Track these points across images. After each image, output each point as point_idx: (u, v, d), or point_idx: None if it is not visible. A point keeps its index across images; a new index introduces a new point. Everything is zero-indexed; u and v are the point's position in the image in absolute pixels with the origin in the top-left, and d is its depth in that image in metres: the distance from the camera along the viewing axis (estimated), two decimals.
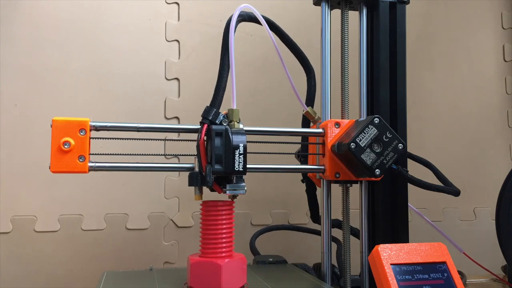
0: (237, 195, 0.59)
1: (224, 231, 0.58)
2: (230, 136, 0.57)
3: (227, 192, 0.58)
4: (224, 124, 0.59)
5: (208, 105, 0.60)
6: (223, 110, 0.60)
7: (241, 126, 0.59)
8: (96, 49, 0.95)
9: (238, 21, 0.64)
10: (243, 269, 0.58)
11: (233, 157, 0.56)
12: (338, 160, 0.65)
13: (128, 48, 0.97)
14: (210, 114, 0.58)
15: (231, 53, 0.61)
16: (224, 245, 0.57)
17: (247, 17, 0.66)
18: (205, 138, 0.58)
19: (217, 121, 0.58)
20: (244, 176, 0.59)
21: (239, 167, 0.56)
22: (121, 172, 0.86)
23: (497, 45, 1.21)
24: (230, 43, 0.61)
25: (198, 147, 0.58)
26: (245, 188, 0.58)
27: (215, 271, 0.55)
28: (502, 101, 1.20)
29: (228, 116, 0.60)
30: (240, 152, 0.57)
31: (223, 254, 0.57)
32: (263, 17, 0.68)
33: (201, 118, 0.59)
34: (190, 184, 0.58)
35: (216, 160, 0.56)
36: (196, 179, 0.57)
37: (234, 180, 0.58)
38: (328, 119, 0.69)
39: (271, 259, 0.77)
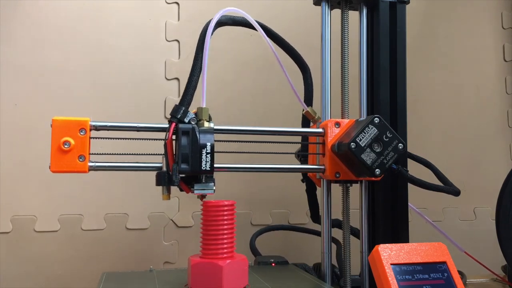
0: (206, 195, 0.59)
1: (225, 231, 0.57)
2: (197, 135, 0.57)
3: (195, 191, 0.58)
4: (193, 123, 0.58)
5: (177, 103, 0.59)
6: (193, 110, 0.60)
7: (211, 125, 0.59)
8: (96, 49, 0.95)
9: (217, 26, 0.64)
10: (245, 270, 0.58)
11: (200, 156, 0.56)
12: (338, 160, 0.65)
13: (128, 48, 0.97)
14: (178, 113, 0.58)
15: (205, 53, 0.61)
16: (225, 246, 0.57)
17: (230, 21, 0.66)
18: (173, 137, 0.58)
19: (185, 120, 0.58)
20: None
21: (206, 166, 0.56)
22: (121, 172, 0.86)
23: (497, 45, 1.21)
24: (206, 43, 0.61)
25: (165, 146, 0.57)
26: (214, 188, 0.58)
27: (216, 273, 0.55)
28: (502, 101, 1.20)
29: (198, 115, 0.59)
30: (208, 151, 0.57)
31: (224, 255, 0.57)
32: (257, 21, 0.68)
33: None
34: (157, 184, 0.58)
35: (183, 159, 0.56)
36: (164, 179, 0.57)
37: (203, 180, 0.58)
38: (328, 118, 0.69)
39: (272, 260, 0.77)
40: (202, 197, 0.59)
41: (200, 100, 0.60)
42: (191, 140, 0.57)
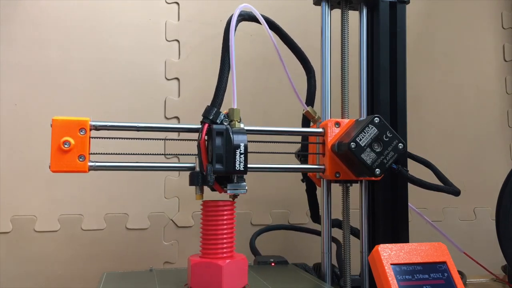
0: (238, 195, 0.59)
1: (225, 231, 0.57)
2: (231, 136, 0.57)
3: (228, 191, 0.58)
4: (225, 123, 0.59)
5: (209, 104, 0.60)
6: (224, 110, 0.60)
7: (242, 125, 0.59)
8: (96, 49, 0.95)
9: (238, 21, 0.64)
10: (244, 270, 0.58)
11: (234, 157, 0.56)
12: (338, 160, 0.65)
13: (128, 48, 0.97)
14: (211, 114, 0.58)
15: (231, 53, 0.61)
16: (225, 245, 0.57)
17: (247, 17, 0.66)
18: (206, 137, 0.58)
19: (218, 121, 0.58)
20: (244, 176, 0.59)
21: (240, 166, 0.56)
22: (121, 172, 0.86)
23: (497, 45, 1.21)
24: (231, 43, 0.61)
25: (199, 146, 0.58)
26: (246, 188, 0.58)
27: (216, 272, 0.55)
28: (502, 101, 1.20)
29: (229, 116, 0.60)
30: (241, 151, 0.57)
31: (224, 255, 0.57)
32: (263, 16, 0.68)
33: (201, 117, 0.59)
34: (191, 184, 0.58)
35: (217, 160, 0.56)
36: (197, 179, 0.57)
37: (235, 180, 0.58)
38: (328, 118, 0.69)
39: (272, 260, 0.77)
40: (234, 196, 0.60)
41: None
42: (225, 141, 0.57)
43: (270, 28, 0.69)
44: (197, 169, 0.58)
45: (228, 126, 0.58)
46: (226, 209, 0.58)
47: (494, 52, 1.20)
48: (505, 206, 0.73)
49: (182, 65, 0.99)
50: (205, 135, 0.58)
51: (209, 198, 0.60)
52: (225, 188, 0.58)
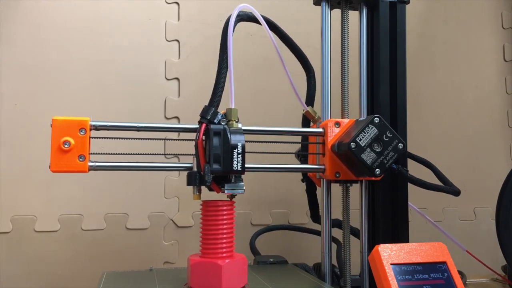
0: (236, 195, 0.59)
1: (224, 231, 0.58)
2: (229, 136, 0.57)
3: (226, 191, 0.58)
4: (223, 123, 0.59)
5: (207, 104, 0.60)
6: (221, 110, 0.60)
7: (239, 125, 0.59)
8: (96, 49, 0.95)
9: (236, 21, 0.64)
10: (244, 269, 0.58)
11: (232, 157, 0.56)
12: (338, 160, 0.65)
13: (128, 48, 0.97)
14: (208, 114, 0.58)
15: (229, 52, 0.61)
16: (224, 245, 0.57)
17: (246, 17, 0.66)
18: (203, 137, 0.58)
19: (215, 121, 0.58)
20: (243, 176, 0.59)
21: (237, 166, 0.56)
22: (121, 172, 0.86)
23: (497, 45, 1.21)
24: (229, 42, 0.61)
25: (196, 146, 0.58)
26: (244, 188, 0.58)
27: (215, 272, 0.55)
28: (502, 101, 1.20)
29: (227, 116, 0.60)
30: (239, 151, 0.57)
31: (224, 255, 0.57)
32: (262, 16, 0.68)
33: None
34: (188, 184, 0.58)
35: (215, 160, 0.56)
36: (195, 179, 0.57)
37: (232, 180, 0.58)
38: (328, 118, 0.69)
39: (271, 259, 0.77)
40: (232, 196, 0.60)
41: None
42: (223, 141, 0.57)
43: (270, 28, 0.69)
44: (195, 169, 0.58)
45: (226, 126, 0.58)
46: (225, 209, 0.58)
47: (494, 52, 1.20)
48: (505, 206, 0.73)
49: (182, 65, 0.99)
50: (203, 135, 0.58)
51: (208, 198, 0.60)
52: (222, 188, 0.58)
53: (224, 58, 0.61)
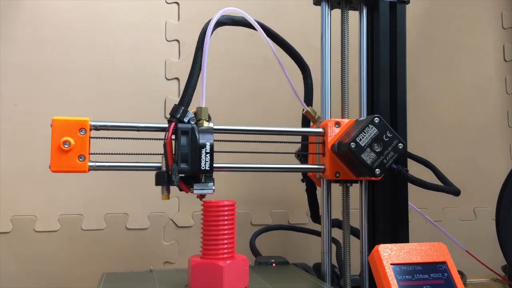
0: (205, 195, 0.59)
1: (225, 232, 0.57)
2: (197, 135, 0.57)
3: (194, 191, 0.58)
4: (192, 122, 0.58)
5: (176, 103, 0.59)
6: (192, 109, 0.60)
7: (211, 124, 0.59)
8: (96, 49, 0.95)
9: (217, 26, 0.64)
10: (245, 270, 0.58)
11: (200, 156, 0.56)
12: (338, 160, 0.65)
13: (128, 48, 0.97)
14: (178, 112, 0.58)
15: (204, 53, 0.61)
16: (225, 246, 0.57)
17: (230, 21, 0.66)
18: (173, 136, 0.58)
19: (185, 120, 0.58)
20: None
21: (205, 166, 0.56)
22: (121, 172, 0.86)
23: (497, 45, 1.21)
24: (205, 44, 0.61)
25: (165, 145, 0.57)
26: (213, 188, 0.58)
27: (216, 273, 0.55)
28: (502, 101, 1.20)
29: (197, 115, 0.59)
30: (207, 151, 0.57)
31: (225, 256, 0.56)
32: (256, 21, 0.68)
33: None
34: (156, 184, 0.58)
35: (182, 159, 0.56)
36: (163, 178, 0.57)
37: (202, 180, 0.58)
38: (328, 118, 0.69)
39: (273, 260, 0.77)
40: (201, 197, 0.59)
41: (199, 99, 0.60)
42: (191, 140, 0.57)
43: (261, 30, 0.69)
44: (163, 168, 0.58)
45: (194, 125, 0.58)
46: (227, 209, 0.58)
47: (494, 52, 1.20)
48: (505, 206, 0.73)
49: (182, 65, 0.99)
50: (171, 134, 0.58)
51: (209, 198, 0.60)
52: (191, 188, 0.58)
53: (198, 58, 0.61)
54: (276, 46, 0.71)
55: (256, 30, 0.68)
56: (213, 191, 0.58)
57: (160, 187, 0.58)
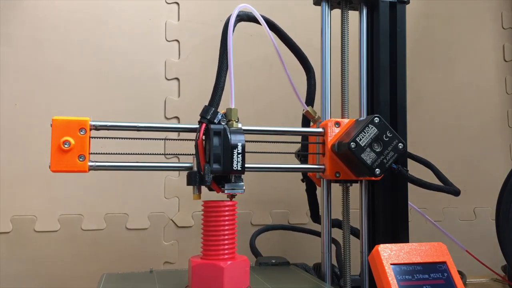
0: (236, 194, 0.59)
1: (226, 232, 0.57)
2: (229, 136, 0.57)
3: (226, 191, 0.58)
4: (223, 123, 0.59)
5: (206, 104, 0.60)
6: (222, 110, 0.60)
7: (239, 125, 0.59)
8: (96, 49, 0.95)
9: (236, 21, 0.64)
10: (246, 271, 0.57)
11: (232, 157, 0.56)
12: (338, 160, 0.65)
13: (128, 48, 0.97)
14: (208, 114, 0.58)
15: (229, 52, 0.61)
16: (226, 246, 0.57)
17: (245, 17, 0.66)
18: (203, 137, 0.58)
19: (215, 120, 0.58)
20: (243, 176, 0.59)
21: (237, 166, 0.56)
22: (121, 172, 0.86)
23: (497, 45, 1.21)
24: (229, 42, 0.61)
25: (196, 146, 0.58)
26: (244, 188, 0.58)
27: (217, 274, 0.55)
28: (502, 101, 1.20)
29: (227, 116, 0.60)
30: (239, 151, 0.57)
31: (226, 256, 0.56)
32: (262, 17, 0.68)
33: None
34: (188, 184, 0.58)
35: (215, 160, 0.56)
36: (195, 179, 0.57)
37: (232, 180, 0.58)
38: (328, 118, 0.69)
39: (273, 261, 0.77)
40: (232, 196, 0.60)
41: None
42: (223, 141, 0.57)
43: (270, 28, 0.69)
44: (195, 169, 0.58)
45: (226, 126, 0.58)
46: (227, 209, 0.57)
47: (494, 52, 1.20)
48: (505, 206, 0.73)
49: (182, 65, 0.99)
50: (203, 135, 0.58)
51: (207, 198, 0.60)
52: (222, 188, 0.58)
53: (224, 58, 0.61)
54: (279, 45, 0.71)
55: (269, 28, 0.68)
56: (244, 191, 0.58)
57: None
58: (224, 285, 0.54)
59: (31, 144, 0.90)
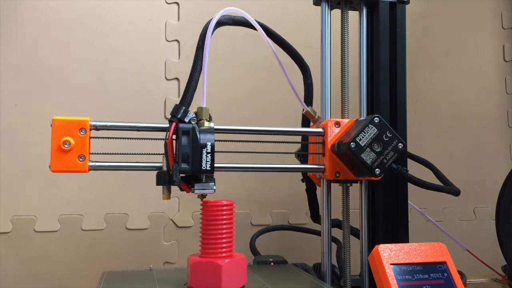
0: (206, 195, 0.59)
1: (224, 231, 0.57)
2: (198, 135, 0.57)
3: (195, 191, 0.58)
4: (193, 122, 0.58)
5: (177, 103, 0.59)
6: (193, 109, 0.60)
7: (212, 124, 0.59)
8: (96, 49, 0.95)
9: (217, 26, 0.64)
10: (243, 269, 0.58)
11: (201, 156, 0.56)
12: (338, 160, 0.65)
13: (128, 48, 0.97)
14: (179, 112, 0.58)
15: (205, 53, 0.61)
16: (224, 245, 0.57)
17: (231, 21, 0.66)
18: (174, 136, 0.58)
19: (186, 120, 0.58)
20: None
21: (206, 166, 0.56)
22: (121, 172, 0.86)
23: (497, 45, 1.21)
24: (206, 44, 0.61)
25: (165, 145, 0.57)
26: (214, 188, 0.58)
27: (215, 272, 0.55)
28: (502, 101, 1.20)
29: (198, 115, 0.59)
30: (208, 151, 0.57)
31: (223, 254, 0.57)
32: (257, 21, 0.68)
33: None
34: (157, 184, 0.58)
35: (183, 159, 0.56)
36: (164, 178, 0.57)
37: (203, 179, 0.58)
38: (328, 118, 0.69)
39: (271, 259, 0.77)
40: (202, 196, 0.59)
41: (200, 100, 0.60)
42: (192, 140, 0.57)
43: (262, 31, 0.69)
44: (164, 168, 0.58)
45: (195, 125, 0.58)
46: (225, 208, 0.58)
47: (494, 52, 1.20)
48: (504, 206, 0.73)
49: (182, 65, 0.99)
50: (172, 134, 0.57)
51: (208, 198, 0.60)
52: (192, 188, 0.58)
53: (199, 58, 0.61)
54: (276, 46, 0.71)
55: (256, 30, 0.68)
56: (214, 191, 0.58)
57: (160, 187, 0.58)
58: (222, 282, 0.55)
59: (31, 144, 0.90)
